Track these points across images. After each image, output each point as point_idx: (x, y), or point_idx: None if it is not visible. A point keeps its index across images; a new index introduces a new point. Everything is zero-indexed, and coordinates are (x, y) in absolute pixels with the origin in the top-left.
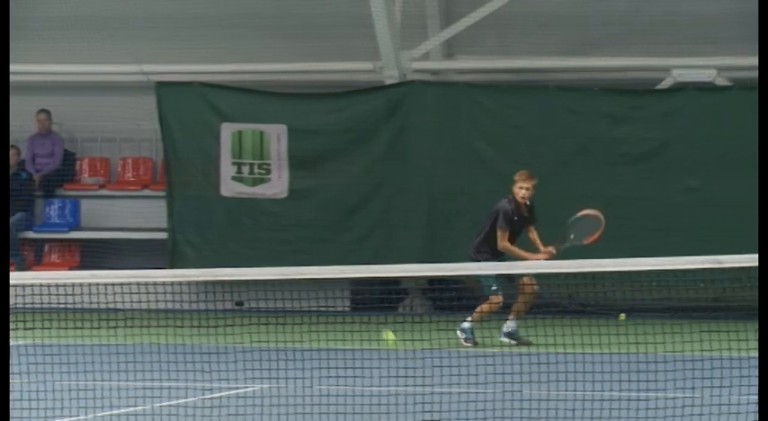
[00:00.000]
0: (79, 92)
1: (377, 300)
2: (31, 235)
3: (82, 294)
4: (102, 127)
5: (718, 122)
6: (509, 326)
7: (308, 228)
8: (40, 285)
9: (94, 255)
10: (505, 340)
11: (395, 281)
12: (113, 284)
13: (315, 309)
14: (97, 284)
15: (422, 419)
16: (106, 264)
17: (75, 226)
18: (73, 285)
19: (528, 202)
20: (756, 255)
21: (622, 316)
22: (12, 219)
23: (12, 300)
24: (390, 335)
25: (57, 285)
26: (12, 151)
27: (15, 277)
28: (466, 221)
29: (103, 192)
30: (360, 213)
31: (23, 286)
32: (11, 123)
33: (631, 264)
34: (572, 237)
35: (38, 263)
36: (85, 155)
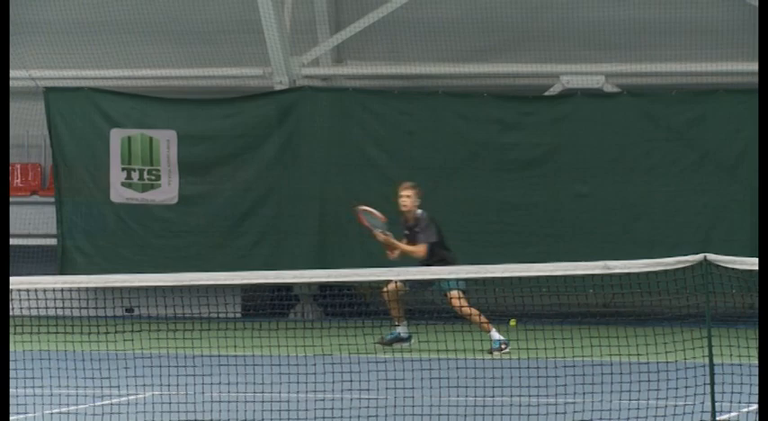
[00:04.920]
0: None
1: (268, 307)
2: None
3: None
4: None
5: (606, 128)
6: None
7: (199, 235)
8: None
9: None
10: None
11: (286, 287)
12: None
13: (206, 315)
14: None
15: None
16: None
17: None
18: None
19: (417, 215)
20: (642, 261)
21: (513, 321)
22: None
23: None
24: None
25: None
26: None
27: None
28: (357, 228)
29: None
30: (251, 219)
31: None
32: None
33: (521, 269)
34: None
35: None
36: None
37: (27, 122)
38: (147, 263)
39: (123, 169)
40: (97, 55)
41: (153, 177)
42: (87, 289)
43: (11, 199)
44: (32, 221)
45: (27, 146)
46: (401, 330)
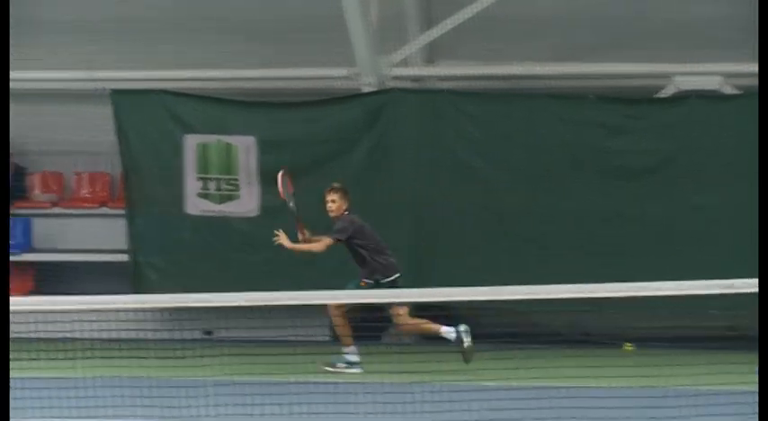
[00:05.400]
0: (28, 100)
1: (359, 329)
2: None
3: (37, 322)
4: (54, 139)
5: (724, 133)
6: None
7: (281, 250)
8: None
9: (50, 279)
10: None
11: (379, 307)
12: (71, 311)
13: (292, 338)
14: (54, 311)
15: None
16: (63, 289)
17: (28, 247)
18: (28, 312)
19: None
20: None
21: (629, 346)
22: None
23: None
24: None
25: (11, 312)
26: None
27: None
28: (458, 239)
29: (57, 210)
30: None
31: None
32: None
33: (635, 289)
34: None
35: None
36: (37, 169)
37: (94, 128)
38: (226, 280)
39: (199, 179)
40: (169, 54)
41: (231, 187)
42: (162, 309)
43: (78, 211)
44: (102, 235)
45: (94, 153)
46: (348, 353)
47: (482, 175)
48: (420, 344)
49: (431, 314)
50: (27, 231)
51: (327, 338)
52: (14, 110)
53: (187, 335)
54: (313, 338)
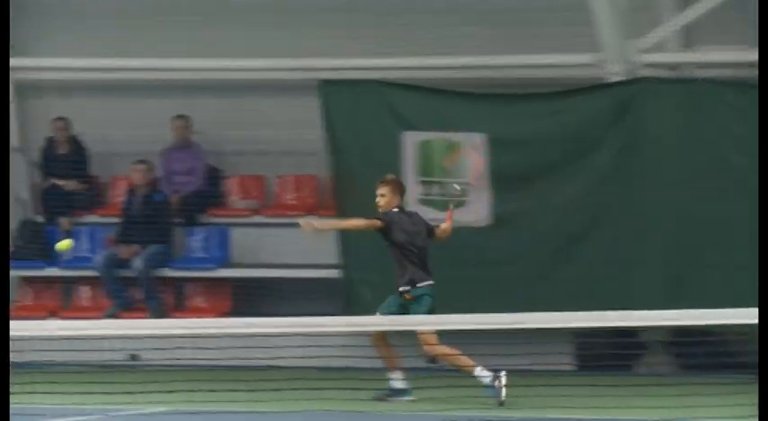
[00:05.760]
0: (225, 93)
1: (607, 357)
2: (169, 273)
3: (235, 348)
4: (255, 137)
5: None
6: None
7: (515, 264)
8: (183, 336)
9: (250, 298)
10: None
11: (630, 332)
12: (274, 335)
13: (527, 366)
14: (254, 335)
15: None
16: (265, 309)
17: (225, 261)
18: (224, 336)
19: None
20: None
21: None
22: (145, 253)
23: (149, 355)
24: None
25: (203, 336)
26: (141, 167)
27: (149, 326)
28: (719, 253)
29: (258, 218)
30: (582, 245)
31: (161, 337)
32: (140, 133)
33: None
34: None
35: (179, 308)
36: (235, 172)
37: (300, 124)
38: (451, 300)
39: (420, 182)
40: (385, 40)
41: (457, 193)
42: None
43: (282, 219)
44: (309, 248)
45: (301, 153)
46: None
47: (752, 180)
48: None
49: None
50: (224, 243)
51: (570, 367)
52: (208, 104)
53: (409, 362)
54: (551, 367)
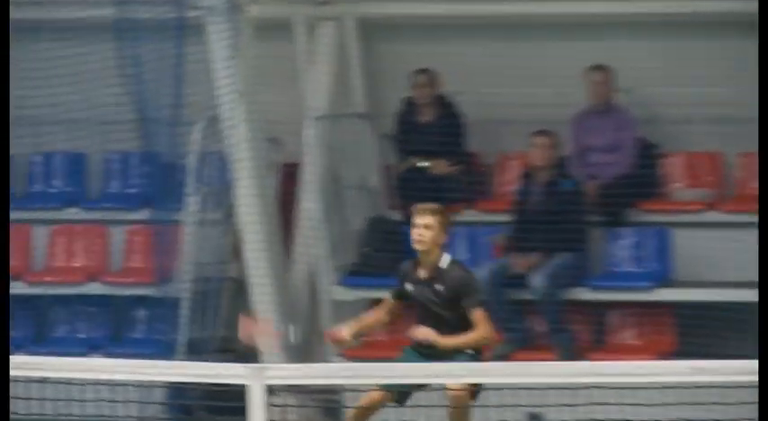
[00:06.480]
0: (658, 34)
1: None
2: (583, 294)
3: (681, 404)
4: (703, 96)
5: None
6: None
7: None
8: (603, 387)
9: (701, 331)
10: None
11: None
12: (734, 386)
13: None
14: (709, 386)
15: None
16: (729, 348)
17: (665, 278)
18: (663, 388)
19: (441, 261)
20: None
21: None
22: (549, 266)
23: (555, 415)
24: None
25: (634, 387)
26: (541, 141)
27: (557, 372)
28: None
29: (712, 215)
30: None
31: (572, 388)
32: (539, 91)
33: None
34: None
35: (599, 345)
36: (678, 148)
37: None
38: None
39: None
40: None
41: None
42: None
43: (748, 219)
44: None
45: None
46: None
47: None
48: None
49: None
50: (664, 251)
51: None
52: (639, 49)
53: None
54: None
